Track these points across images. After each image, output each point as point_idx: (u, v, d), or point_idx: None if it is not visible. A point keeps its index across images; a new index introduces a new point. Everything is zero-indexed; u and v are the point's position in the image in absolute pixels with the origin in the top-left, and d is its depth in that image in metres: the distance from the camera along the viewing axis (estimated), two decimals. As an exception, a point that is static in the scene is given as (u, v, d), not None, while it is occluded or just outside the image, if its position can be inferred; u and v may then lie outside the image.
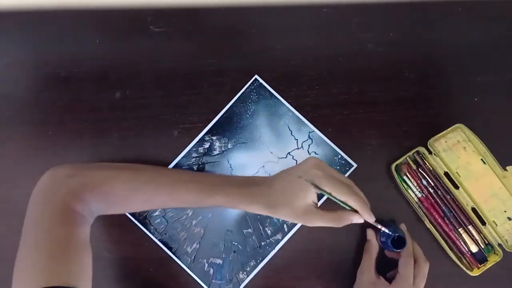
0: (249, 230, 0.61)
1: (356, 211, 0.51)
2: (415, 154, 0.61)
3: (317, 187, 0.49)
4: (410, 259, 0.55)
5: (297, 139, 0.63)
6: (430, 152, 0.61)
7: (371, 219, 0.51)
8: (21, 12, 0.65)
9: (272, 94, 0.63)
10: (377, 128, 0.63)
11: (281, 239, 0.61)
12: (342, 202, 0.50)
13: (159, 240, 0.61)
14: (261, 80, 0.63)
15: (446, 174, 0.61)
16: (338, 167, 0.62)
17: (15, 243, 0.62)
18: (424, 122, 0.63)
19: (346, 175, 0.62)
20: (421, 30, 0.65)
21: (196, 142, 0.63)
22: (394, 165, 0.61)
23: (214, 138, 0.63)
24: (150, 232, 0.61)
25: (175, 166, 0.62)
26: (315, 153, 0.63)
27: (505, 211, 0.60)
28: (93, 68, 0.65)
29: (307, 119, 0.63)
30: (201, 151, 0.63)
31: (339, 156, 0.63)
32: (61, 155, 0.63)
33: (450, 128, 0.60)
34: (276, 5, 0.65)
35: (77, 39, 0.65)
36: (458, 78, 0.64)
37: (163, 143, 0.64)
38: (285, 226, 0.62)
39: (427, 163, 0.61)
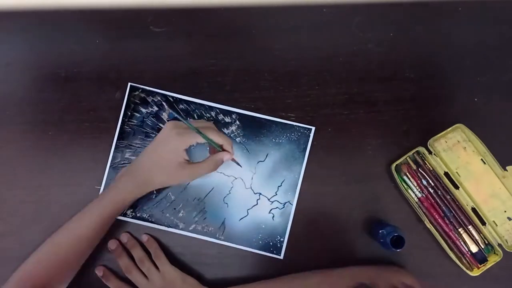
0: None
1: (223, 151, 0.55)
2: (415, 154, 0.61)
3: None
4: None
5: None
6: (430, 152, 0.61)
7: (233, 154, 0.57)
8: (21, 12, 0.65)
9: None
10: (377, 128, 0.63)
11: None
12: (210, 140, 0.54)
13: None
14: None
15: (446, 174, 0.61)
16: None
17: (15, 243, 0.62)
18: (424, 122, 0.63)
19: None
20: (421, 30, 0.65)
21: None
22: (394, 165, 0.61)
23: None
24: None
25: None
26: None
27: (505, 211, 0.60)
28: (93, 68, 0.65)
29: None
30: None
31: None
32: (61, 155, 0.63)
33: (450, 128, 0.60)
34: (276, 5, 0.65)
35: (77, 39, 0.65)
36: (458, 78, 0.64)
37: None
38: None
39: (427, 163, 0.61)
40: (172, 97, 0.64)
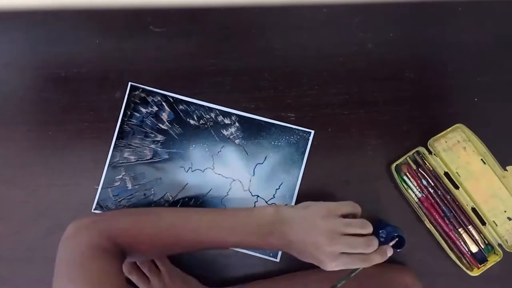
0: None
1: None
2: (415, 154, 0.61)
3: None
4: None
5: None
6: (430, 152, 0.61)
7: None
8: (21, 12, 0.65)
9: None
10: (377, 128, 0.63)
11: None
12: None
13: None
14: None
15: (446, 174, 0.61)
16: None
17: (15, 243, 0.62)
18: (424, 122, 0.63)
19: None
20: (421, 30, 0.65)
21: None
22: (394, 165, 0.61)
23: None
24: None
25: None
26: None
27: (505, 211, 0.60)
28: (93, 68, 0.65)
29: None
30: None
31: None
32: (61, 155, 0.63)
33: (450, 128, 0.60)
34: (276, 5, 0.65)
35: (77, 39, 0.65)
36: (458, 78, 0.64)
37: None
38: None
39: (427, 163, 0.61)
40: (172, 97, 0.64)
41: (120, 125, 0.63)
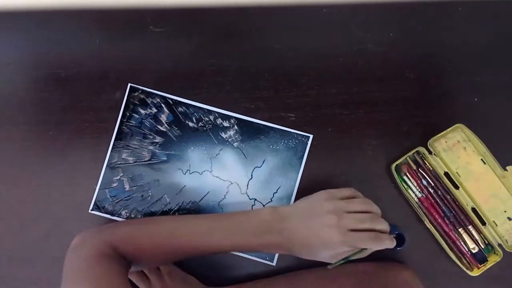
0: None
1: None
2: (415, 154, 0.61)
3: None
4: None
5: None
6: (430, 152, 0.61)
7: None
8: (21, 12, 0.65)
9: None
10: (377, 128, 0.63)
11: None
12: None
13: None
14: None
15: (446, 174, 0.61)
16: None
17: (15, 243, 0.62)
18: (424, 122, 0.63)
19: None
20: (421, 30, 0.65)
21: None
22: (394, 165, 0.61)
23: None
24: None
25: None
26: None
27: (505, 211, 0.60)
28: (93, 68, 0.65)
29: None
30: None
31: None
32: (61, 155, 0.63)
33: (450, 128, 0.60)
34: (276, 5, 0.65)
35: (77, 39, 0.65)
36: (458, 78, 0.64)
37: (163, 143, 0.64)
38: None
39: (427, 163, 0.61)
40: (171, 99, 0.64)
41: (119, 126, 0.63)
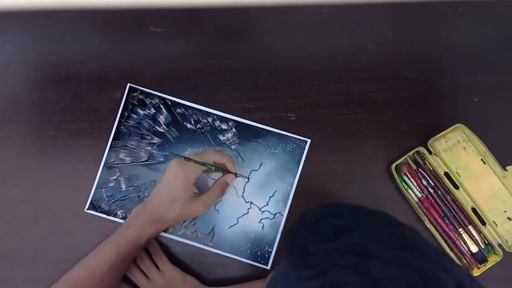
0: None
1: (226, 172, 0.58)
2: (415, 154, 0.61)
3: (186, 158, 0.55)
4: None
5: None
6: (430, 152, 0.61)
7: (236, 170, 0.59)
8: (21, 12, 0.65)
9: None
10: (377, 128, 0.63)
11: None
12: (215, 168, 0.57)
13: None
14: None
15: (446, 174, 0.61)
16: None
17: (15, 243, 0.62)
18: (424, 122, 0.63)
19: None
20: (421, 30, 0.65)
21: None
22: (394, 165, 0.61)
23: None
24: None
25: None
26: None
27: (505, 211, 0.60)
28: (93, 68, 0.65)
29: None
30: None
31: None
32: (61, 155, 0.63)
33: (450, 128, 0.60)
34: (276, 5, 0.65)
35: (77, 39, 0.65)
36: (458, 78, 0.64)
37: (163, 143, 0.64)
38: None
39: (427, 163, 0.61)
40: (170, 100, 0.64)
41: (117, 126, 0.63)
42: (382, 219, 0.33)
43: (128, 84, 0.64)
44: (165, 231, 0.62)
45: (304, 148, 0.63)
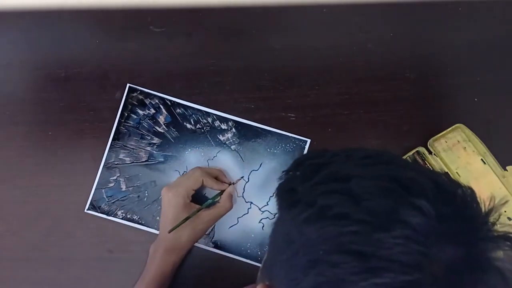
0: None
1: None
2: (415, 154, 0.61)
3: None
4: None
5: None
6: (430, 152, 0.61)
7: (231, 180, 0.61)
8: (21, 12, 0.65)
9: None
10: (377, 128, 0.63)
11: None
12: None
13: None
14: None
15: (446, 174, 0.61)
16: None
17: (15, 243, 0.62)
18: (424, 122, 0.63)
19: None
20: (421, 30, 0.65)
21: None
22: (394, 165, 0.61)
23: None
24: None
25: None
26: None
27: (505, 211, 0.60)
28: (93, 68, 0.65)
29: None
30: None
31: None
32: (61, 155, 0.63)
33: (450, 128, 0.60)
34: (276, 5, 0.65)
35: (77, 39, 0.65)
36: (458, 78, 0.64)
37: (163, 143, 0.64)
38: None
39: (427, 163, 0.61)
40: (170, 100, 0.64)
41: (117, 126, 0.63)
42: (356, 149, 0.36)
43: (128, 84, 0.64)
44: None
45: (304, 148, 0.63)
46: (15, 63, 0.65)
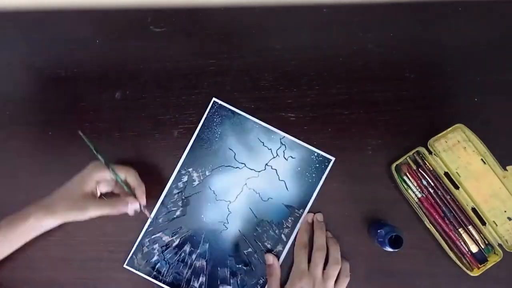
0: (249, 249, 0.62)
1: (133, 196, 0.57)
2: (415, 154, 0.61)
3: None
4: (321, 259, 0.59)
5: (270, 149, 0.63)
6: (430, 152, 0.61)
7: (143, 201, 0.57)
8: (21, 12, 0.65)
9: (235, 112, 0.63)
10: (377, 128, 0.63)
11: (283, 250, 0.61)
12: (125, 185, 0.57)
13: (165, 283, 0.61)
14: (220, 102, 0.63)
15: (446, 174, 0.61)
16: (317, 165, 0.62)
17: (15, 243, 0.62)
18: (424, 122, 0.63)
19: (327, 170, 0.62)
20: (421, 30, 0.65)
21: (174, 178, 0.62)
22: (394, 165, 0.61)
23: (190, 169, 0.63)
24: (155, 278, 0.61)
25: (162, 205, 0.62)
26: (291, 157, 0.62)
27: (505, 211, 0.60)
28: (93, 68, 0.65)
29: (279, 127, 0.63)
30: (181, 186, 0.62)
31: (316, 154, 0.62)
32: (61, 155, 0.63)
33: (450, 128, 0.60)
34: (276, 5, 0.65)
35: (77, 39, 0.65)
36: (458, 78, 0.64)
37: (163, 143, 0.64)
38: (283, 236, 0.62)
39: (427, 163, 0.61)
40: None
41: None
42: None
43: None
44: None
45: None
46: (15, 63, 0.65)
